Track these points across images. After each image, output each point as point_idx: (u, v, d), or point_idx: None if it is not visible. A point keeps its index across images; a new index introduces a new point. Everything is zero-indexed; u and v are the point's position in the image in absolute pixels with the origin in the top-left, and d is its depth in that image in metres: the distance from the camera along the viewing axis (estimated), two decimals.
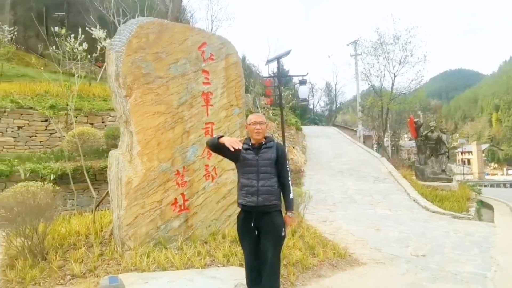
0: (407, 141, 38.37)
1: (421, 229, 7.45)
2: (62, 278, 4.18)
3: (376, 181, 13.77)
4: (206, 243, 5.13)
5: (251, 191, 3.23)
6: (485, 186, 29.98)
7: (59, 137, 10.41)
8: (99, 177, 9.32)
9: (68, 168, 7.99)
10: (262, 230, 3.27)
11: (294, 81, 28.83)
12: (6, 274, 4.28)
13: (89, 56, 8.65)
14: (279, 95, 12.82)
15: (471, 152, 63.06)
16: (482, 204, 12.10)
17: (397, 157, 25.62)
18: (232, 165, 4.58)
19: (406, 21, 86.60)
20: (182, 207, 5.19)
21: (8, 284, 4.08)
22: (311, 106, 45.36)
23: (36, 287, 4.00)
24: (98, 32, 13.21)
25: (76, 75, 7.62)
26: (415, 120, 14.96)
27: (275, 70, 15.06)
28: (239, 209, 3.46)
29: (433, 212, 9.41)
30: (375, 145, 28.97)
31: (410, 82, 24.81)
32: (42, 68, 11.95)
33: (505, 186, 41.09)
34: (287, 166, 3.39)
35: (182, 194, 5.19)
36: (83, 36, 9.07)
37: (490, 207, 11.51)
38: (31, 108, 10.73)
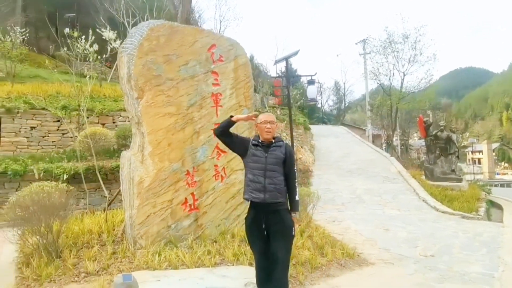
0: (416, 140, 37.96)
1: (430, 229, 7.44)
2: (76, 275, 4.29)
3: (385, 181, 13.69)
4: (215, 242, 5.21)
5: (258, 187, 3.27)
6: (495, 185, 29.61)
7: (71, 137, 10.58)
8: (110, 177, 9.49)
9: (80, 168, 8.15)
10: (271, 230, 3.29)
11: (303, 80, 28.82)
12: (22, 271, 4.43)
13: (99, 57, 8.78)
14: (288, 95, 12.80)
15: (481, 151, 62.47)
16: (492, 204, 12.03)
17: (407, 156, 25.39)
18: (241, 165, 4.65)
19: (415, 20, 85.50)
20: (192, 207, 5.27)
21: (25, 281, 4.21)
22: (319, 105, 45.13)
23: (51, 284, 4.12)
24: (108, 33, 13.43)
25: (88, 76, 7.77)
26: (425, 119, 14.77)
27: (283, 69, 15.06)
28: (247, 209, 3.49)
29: (442, 212, 9.38)
30: (384, 145, 28.77)
31: (420, 81, 24.59)
32: (55, 69, 12.12)
33: None
34: (294, 168, 3.43)
35: (192, 194, 5.27)
36: (93, 37, 9.23)
37: (499, 207, 11.46)
38: (43, 108, 10.92)
